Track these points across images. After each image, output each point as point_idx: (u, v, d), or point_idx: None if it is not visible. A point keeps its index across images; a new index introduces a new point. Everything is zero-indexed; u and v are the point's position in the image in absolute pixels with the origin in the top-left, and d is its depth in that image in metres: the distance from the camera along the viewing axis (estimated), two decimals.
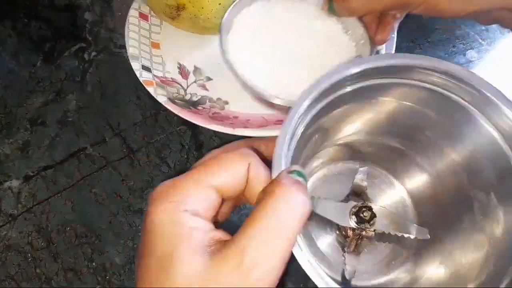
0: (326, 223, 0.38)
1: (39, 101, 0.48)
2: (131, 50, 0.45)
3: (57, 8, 0.54)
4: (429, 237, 0.37)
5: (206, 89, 0.47)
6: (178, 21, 0.44)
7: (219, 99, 0.47)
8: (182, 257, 0.19)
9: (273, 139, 0.25)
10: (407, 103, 0.33)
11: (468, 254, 0.32)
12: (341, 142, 0.39)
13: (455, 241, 0.35)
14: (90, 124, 0.47)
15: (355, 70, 0.28)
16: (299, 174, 0.23)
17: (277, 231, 0.19)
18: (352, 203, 0.37)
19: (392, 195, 0.41)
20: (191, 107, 0.44)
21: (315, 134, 0.34)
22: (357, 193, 0.40)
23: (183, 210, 0.20)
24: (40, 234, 0.41)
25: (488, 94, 0.28)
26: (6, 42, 0.52)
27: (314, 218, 0.38)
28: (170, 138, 0.46)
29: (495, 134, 0.30)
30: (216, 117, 0.43)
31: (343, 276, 0.37)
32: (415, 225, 0.37)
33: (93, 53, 0.51)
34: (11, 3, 0.54)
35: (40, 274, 0.40)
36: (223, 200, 0.22)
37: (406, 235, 0.37)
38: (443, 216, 0.37)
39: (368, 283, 0.38)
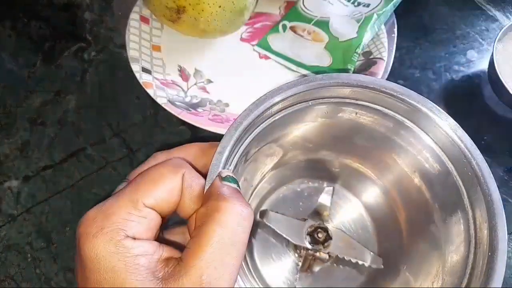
0: (283, 239, 0.37)
1: (39, 101, 0.48)
2: (131, 53, 0.45)
3: (56, 7, 0.54)
4: (382, 267, 0.36)
5: (207, 92, 0.47)
6: (178, 24, 0.44)
7: (219, 101, 0.47)
8: None
9: (212, 146, 0.25)
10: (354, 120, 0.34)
11: (425, 283, 0.31)
12: (304, 158, 0.39)
13: (412, 268, 0.34)
14: (90, 124, 0.47)
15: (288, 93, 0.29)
16: (232, 179, 0.22)
17: (230, 248, 0.19)
18: (310, 222, 0.37)
19: (354, 217, 0.40)
20: (190, 109, 0.44)
21: (267, 149, 0.34)
22: (320, 213, 0.39)
23: (123, 237, 0.18)
24: (39, 234, 0.41)
25: (421, 107, 0.29)
26: (6, 42, 0.52)
27: (272, 232, 0.38)
28: (170, 138, 0.46)
29: (434, 145, 0.31)
30: (216, 119, 0.43)
31: None
32: (371, 252, 0.36)
33: (93, 53, 0.51)
34: (11, 3, 0.54)
35: (40, 274, 0.40)
36: (163, 217, 0.21)
37: (360, 262, 0.36)
38: (401, 243, 0.36)
39: None
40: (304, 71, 0.49)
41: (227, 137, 0.27)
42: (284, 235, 0.36)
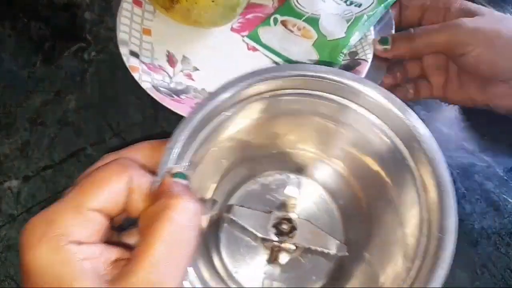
0: (251, 233, 0.38)
1: (39, 101, 0.48)
2: (121, 35, 0.46)
3: (56, 7, 0.54)
4: (347, 254, 0.37)
5: (192, 79, 0.48)
6: (171, 12, 0.45)
7: (203, 89, 0.47)
8: None
9: (163, 143, 0.25)
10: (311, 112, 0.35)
11: (388, 268, 0.32)
12: (266, 152, 0.40)
13: (376, 254, 0.35)
14: (90, 124, 0.47)
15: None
16: (182, 176, 0.22)
17: (180, 245, 0.19)
18: (275, 214, 0.38)
19: (321, 206, 0.40)
20: (174, 96, 0.44)
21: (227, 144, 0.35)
22: (287, 204, 0.39)
23: (67, 242, 0.18)
24: None
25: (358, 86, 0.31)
26: (6, 42, 0.52)
27: (239, 227, 0.38)
28: (170, 138, 0.46)
29: (378, 122, 0.32)
30: None
31: None
32: (336, 240, 0.37)
33: (93, 53, 0.51)
34: (11, 2, 0.54)
35: None
36: (111, 219, 0.21)
37: (326, 251, 0.37)
38: (365, 229, 0.37)
39: None
40: None
41: (178, 133, 0.27)
42: (250, 228, 0.37)
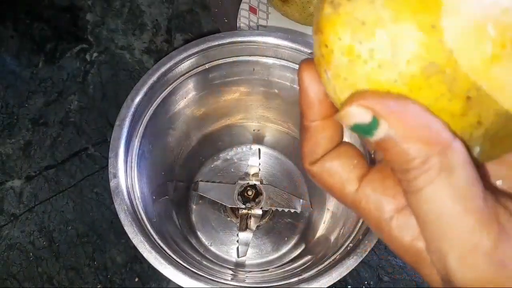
0: (220, 205, 0.40)
1: (41, 101, 0.48)
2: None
3: (58, 9, 0.54)
4: (312, 209, 0.40)
5: None
6: (288, 4, 0.45)
7: None
8: None
9: None
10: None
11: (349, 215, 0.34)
12: (222, 126, 0.42)
13: (334, 205, 0.37)
14: (92, 124, 0.47)
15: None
16: None
17: None
18: (239, 183, 0.40)
19: (283, 171, 0.43)
20: None
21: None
22: (249, 174, 0.42)
23: None
24: (42, 234, 0.42)
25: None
26: (8, 43, 0.52)
27: (208, 201, 0.40)
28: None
29: None
30: None
31: (237, 255, 0.39)
32: (300, 200, 0.40)
33: (95, 54, 0.51)
34: (13, 4, 0.54)
35: (42, 273, 0.40)
36: None
37: (292, 210, 0.39)
38: None
39: (260, 260, 0.39)
40: None
41: (125, 108, 0.29)
42: (217, 200, 0.39)
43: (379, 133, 0.13)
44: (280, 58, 0.34)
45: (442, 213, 0.13)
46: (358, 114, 0.13)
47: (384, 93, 0.13)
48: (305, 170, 0.17)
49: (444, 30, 0.12)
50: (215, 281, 0.27)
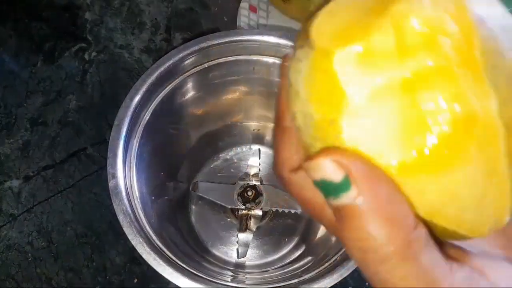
0: (220, 206, 0.40)
1: (40, 101, 0.48)
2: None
3: (57, 8, 0.54)
4: None
5: None
6: (289, 3, 0.45)
7: None
8: None
9: None
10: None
11: None
12: (221, 126, 0.42)
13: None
14: (90, 124, 0.47)
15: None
16: None
17: None
18: (239, 184, 0.40)
19: None
20: None
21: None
22: (249, 174, 0.42)
23: None
24: (40, 234, 0.41)
25: None
26: (7, 42, 0.52)
27: (207, 201, 0.40)
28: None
29: None
30: None
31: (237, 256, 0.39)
32: None
33: (93, 53, 0.51)
34: (11, 3, 0.54)
35: (40, 274, 0.40)
36: None
37: (293, 211, 0.39)
38: None
39: (260, 261, 0.39)
40: None
41: (124, 108, 0.29)
42: (217, 201, 0.39)
43: (345, 198, 0.12)
44: (280, 57, 0.34)
45: None
46: (329, 170, 0.12)
47: (361, 157, 0.12)
48: (280, 178, 0.15)
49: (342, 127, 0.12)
50: (214, 282, 0.27)
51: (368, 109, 0.12)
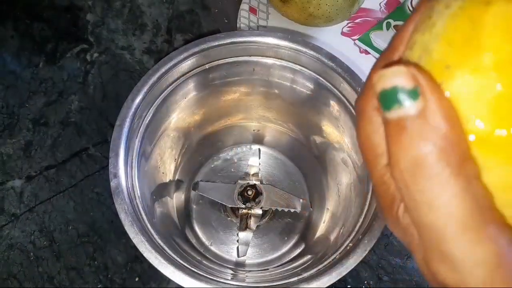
0: (220, 205, 0.40)
1: (42, 101, 0.48)
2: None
3: (59, 9, 0.54)
4: (311, 209, 0.40)
5: None
6: (288, 5, 0.45)
7: None
8: None
9: None
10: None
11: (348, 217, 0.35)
12: (222, 126, 0.42)
13: (333, 206, 0.38)
14: (92, 124, 0.47)
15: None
16: None
17: None
18: (239, 183, 0.40)
19: (283, 171, 0.43)
20: None
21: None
22: (249, 174, 0.42)
23: None
24: (42, 234, 0.42)
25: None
26: (8, 43, 0.52)
27: (208, 201, 0.40)
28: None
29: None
30: None
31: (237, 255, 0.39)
32: (300, 199, 0.40)
33: (95, 54, 0.51)
34: (13, 4, 0.54)
35: (43, 273, 0.40)
36: None
37: (292, 210, 0.39)
38: (322, 185, 0.40)
39: (260, 259, 0.40)
40: None
41: (125, 108, 0.29)
42: (217, 200, 0.39)
43: (410, 107, 0.12)
44: (280, 59, 0.34)
45: (447, 231, 0.12)
46: (403, 78, 0.12)
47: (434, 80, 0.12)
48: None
49: None
50: (215, 280, 0.27)
51: (487, 73, 0.12)
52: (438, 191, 0.12)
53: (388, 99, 0.12)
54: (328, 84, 0.34)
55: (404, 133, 0.12)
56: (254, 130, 0.43)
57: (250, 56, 0.34)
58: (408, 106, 0.12)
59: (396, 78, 0.12)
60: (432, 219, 0.12)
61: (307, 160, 0.42)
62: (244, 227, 0.39)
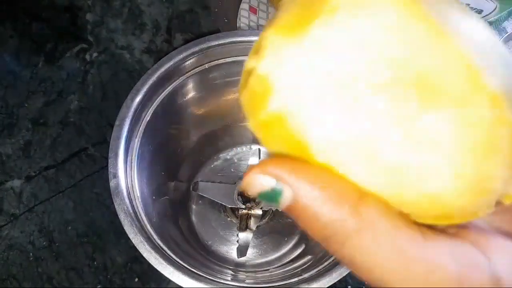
0: (220, 206, 0.40)
1: (41, 101, 0.48)
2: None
3: (58, 8, 0.54)
4: None
5: None
6: None
7: None
8: None
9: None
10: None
11: None
12: (221, 126, 0.42)
13: None
14: (91, 124, 0.47)
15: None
16: None
17: None
18: (239, 183, 0.40)
19: None
20: None
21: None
22: None
23: None
24: (41, 234, 0.42)
25: None
26: (8, 43, 0.52)
27: (207, 201, 0.40)
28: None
29: None
30: None
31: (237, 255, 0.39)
32: None
33: (95, 54, 0.51)
34: (12, 3, 0.54)
35: (42, 273, 0.40)
36: None
37: None
38: None
39: (260, 260, 0.39)
40: None
41: (125, 108, 0.29)
42: (217, 200, 0.39)
43: (285, 200, 0.12)
44: None
45: (379, 269, 0.12)
46: (262, 182, 0.12)
47: (283, 158, 0.12)
48: None
49: None
50: (215, 281, 0.27)
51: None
52: (354, 253, 0.12)
53: (267, 199, 0.13)
54: None
55: (299, 218, 0.12)
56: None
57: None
58: (282, 202, 0.12)
59: (256, 183, 0.12)
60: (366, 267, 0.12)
61: None
62: (244, 227, 0.39)
